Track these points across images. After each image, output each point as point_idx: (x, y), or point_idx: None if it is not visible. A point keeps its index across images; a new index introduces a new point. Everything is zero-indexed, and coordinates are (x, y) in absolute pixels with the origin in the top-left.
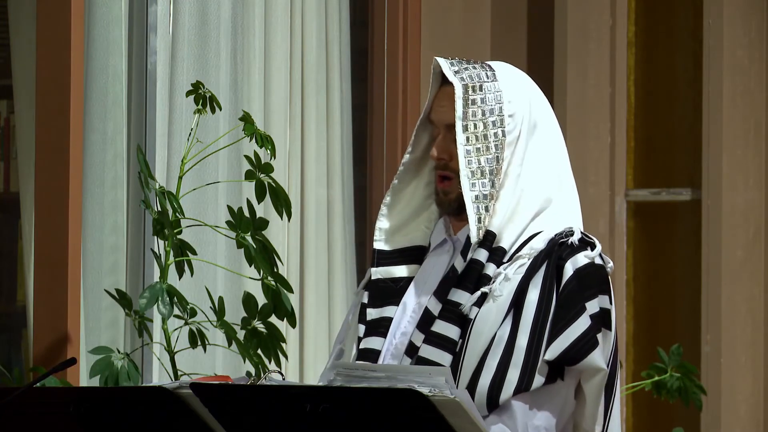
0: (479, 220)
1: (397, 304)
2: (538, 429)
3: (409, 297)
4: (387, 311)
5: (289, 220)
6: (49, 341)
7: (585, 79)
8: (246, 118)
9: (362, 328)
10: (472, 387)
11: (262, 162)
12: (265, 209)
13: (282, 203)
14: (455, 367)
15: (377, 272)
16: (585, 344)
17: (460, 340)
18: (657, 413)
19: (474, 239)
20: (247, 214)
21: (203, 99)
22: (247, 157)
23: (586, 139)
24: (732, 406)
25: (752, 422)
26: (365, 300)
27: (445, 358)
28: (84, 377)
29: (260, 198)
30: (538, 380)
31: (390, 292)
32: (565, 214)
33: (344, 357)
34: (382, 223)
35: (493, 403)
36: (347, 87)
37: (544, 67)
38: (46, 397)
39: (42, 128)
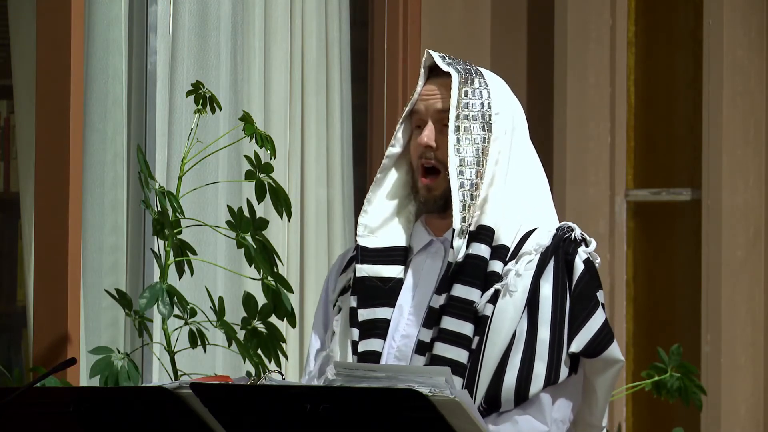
0: (463, 208)
1: (390, 305)
2: (556, 422)
3: (404, 299)
4: (381, 312)
5: (289, 220)
6: (49, 341)
7: (585, 79)
8: (246, 118)
9: (356, 331)
10: (496, 383)
11: (262, 162)
12: (265, 209)
13: (282, 203)
14: (474, 364)
15: (362, 269)
16: (605, 336)
17: (476, 337)
18: (657, 413)
19: (457, 225)
20: (247, 214)
21: (203, 99)
22: (247, 157)
23: (586, 139)
24: (732, 406)
25: (752, 422)
26: (353, 303)
27: (462, 354)
28: (84, 377)
29: (260, 198)
30: (564, 372)
31: (379, 292)
32: (546, 212)
33: (331, 367)
34: (365, 218)
35: (521, 397)
36: (347, 87)
37: (544, 67)
38: (46, 397)
39: (42, 128)
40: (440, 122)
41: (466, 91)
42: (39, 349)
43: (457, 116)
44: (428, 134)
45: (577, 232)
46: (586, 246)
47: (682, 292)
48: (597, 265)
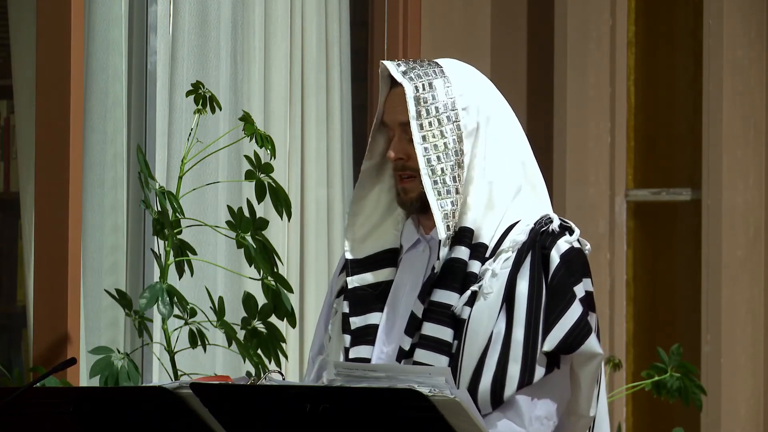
0: (445, 217)
1: (380, 310)
2: (540, 419)
3: (392, 302)
4: (371, 318)
5: (289, 220)
6: (49, 341)
7: (585, 79)
8: (246, 118)
9: (348, 338)
10: (473, 386)
11: (262, 162)
12: (265, 209)
13: (282, 203)
14: (453, 369)
15: (353, 281)
16: (580, 331)
17: (455, 341)
18: (657, 413)
19: (441, 236)
20: (247, 214)
21: (203, 99)
22: (247, 157)
23: (586, 139)
24: (732, 406)
25: (752, 422)
26: (346, 309)
27: (441, 360)
28: (84, 377)
29: (260, 198)
30: (539, 372)
31: (370, 298)
32: (536, 199)
33: (329, 368)
34: (350, 233)
35: (497, 400)
36: (347, 87)
37: (544, 67)
38: (46, 397)
39: (42, 128)
40: (407, 134)
41: (425, 98)
42: (39, 349)
43: (420, 126)
44: (395, 147)
45: (555, 225)
46: (570, 235)
47: (682, 292)
48: (587, 251)
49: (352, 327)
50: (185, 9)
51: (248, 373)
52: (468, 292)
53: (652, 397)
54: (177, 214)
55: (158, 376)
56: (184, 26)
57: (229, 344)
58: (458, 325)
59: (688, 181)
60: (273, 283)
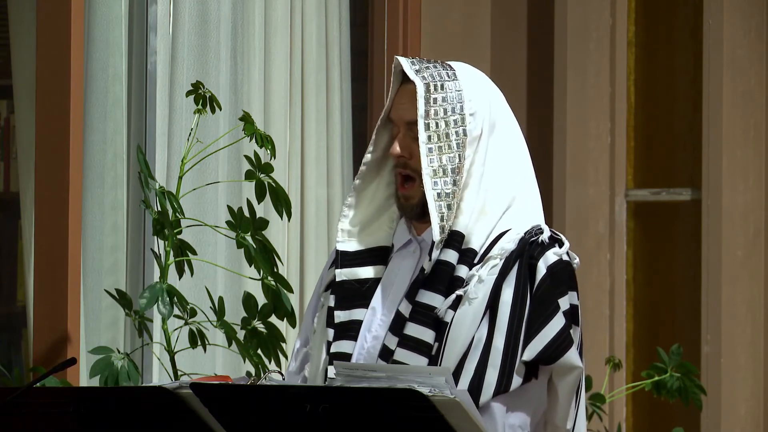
0: (442, 219)
1: (365, 306)
2: (513, 428)
3: (378, 299)
4: (356, 314)
5: (289, 220)
6: (49, 341)
7: (585, 79)
8: (246, 118)
9: (331, 331)
10: None
11: (262, 162)
12: (265, 209)
13: (282, 203)
14: None
15: (342, 274)
16: (561, 343)
17: (436, 343)
18: (657, 413)
19: (436, 238)
20: (247, 214)
21: (203, 99)
22: (247, 157)
23: (586, 139)
24: (732, 406)
25: (752, 422)
26: (331, 303)
27: (421, 361)
28: (84, 377)
29: (260, 198)
30: (516, 381)
31: (357, 294)
32: (529, 210)
33: (312, 361)
34: (345, 224)
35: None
36: (347, 87)
37: (544, 67)
38: (46, 397)
39: (42, 128)
40: (412, 132)
41: (435, 99)
42: (39, 349)
43: (427, 126)
44: (400, 144)
45: (545, 236)
46: (560, 247)
47: (682, 292)
48: (575, 264)
49: (336, 321)
50: (185, 9)
51: (248, 373)
52: (453, 296)
53: (652, 397)
54: (177, 214)
55: (158, 376)
56: (184, 26)
57: (229, 344)
58: (440, 327)
59: (688, 181)
60: (273, 283)
